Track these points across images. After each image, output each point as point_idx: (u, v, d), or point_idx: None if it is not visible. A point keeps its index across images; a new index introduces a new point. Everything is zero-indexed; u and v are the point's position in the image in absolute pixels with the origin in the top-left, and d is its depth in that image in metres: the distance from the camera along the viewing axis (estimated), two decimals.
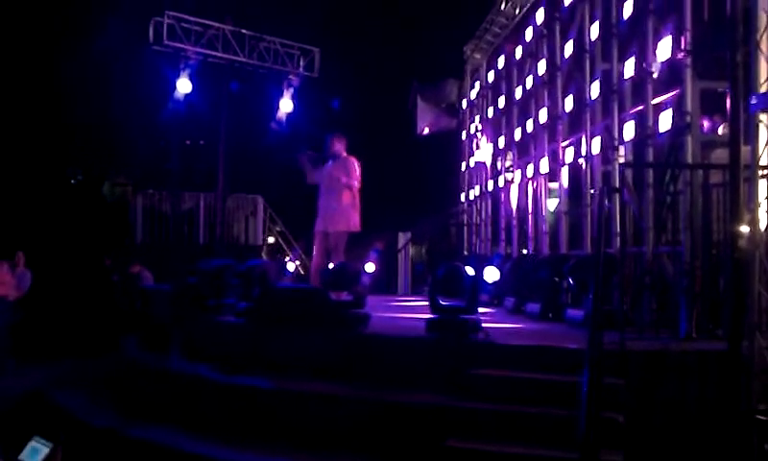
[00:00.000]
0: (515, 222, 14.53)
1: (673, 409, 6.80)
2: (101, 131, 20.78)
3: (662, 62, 8.75)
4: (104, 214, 19.83)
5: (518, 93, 14.51)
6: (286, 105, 18.44)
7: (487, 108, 17.01)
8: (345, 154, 10.74)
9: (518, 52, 14.60)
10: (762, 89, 7.01)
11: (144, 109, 18.35)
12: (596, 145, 10.73)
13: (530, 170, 13.52)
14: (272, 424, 7.47)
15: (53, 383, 11.00)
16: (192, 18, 16.69)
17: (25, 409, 9.94)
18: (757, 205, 6.99)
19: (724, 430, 6.60)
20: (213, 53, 17.09)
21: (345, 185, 10.53)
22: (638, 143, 9.54)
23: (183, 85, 16.78)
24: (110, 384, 10.35)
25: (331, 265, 9.68)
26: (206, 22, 16.94)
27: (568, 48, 11.94)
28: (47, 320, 14.86)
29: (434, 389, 7.21)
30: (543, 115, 12.94)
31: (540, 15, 13.32)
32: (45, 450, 3.49)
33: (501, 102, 15.59)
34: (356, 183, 10.59)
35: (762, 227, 6.96)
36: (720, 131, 9.49)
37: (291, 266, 17.85)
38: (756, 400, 6.61)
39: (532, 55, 13.83)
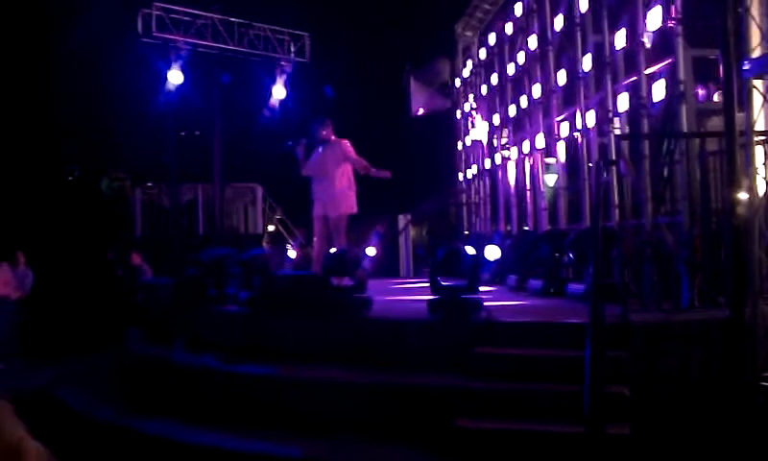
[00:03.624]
0: (513, 199, 14.52)
1: (678, 379, 6.79)
2: (96, 126, 20.69)
3: (654, 32, 8.71)
4: (102, 210, 19.76)
5: (511, 69, 14.47)
6: (279, 91, 18.39)
7: (480, 85, 16.97)
8: (333, 137, 10.51)
9: (509, 28, 14.54)
10: (754, 54, 6.99)
11: (137, 101, 18.27)
12: (591, 118, 10.71)
13: (526, 146, 13.50)
14: (278, 411, 7.46)
15: (58, 380, 11.02)
16: (180, 8, 16.63)
17: (31, 407, 9.96)
18: (755, 170, 6.99)
19: (729, 398, 6.61)
20: (203, 42, 17.03)
21: (360, 168, 10.32)
22: (633, 114, 9.52)
23: (175, 76, 16.74)
24: (115, 378, 10.36)
25: (333, 250, 9.61)
26: (195, 12, 16.87)
27: (559, 22, 11.90)
28: (51, 318, 14.88)
29: (439, 370, 7.21)
30: (537, 91, 12.91)
31: None
32: None
33: (494, 79, 15.54)
34: (364, 162, 10.39)
35: (760, 192, 6.96)
36: (715, 98, 9.47)
37: (292, 253, 17.85)
38: (761, 365, 6.62)
39: (523, 30, 13.78)
